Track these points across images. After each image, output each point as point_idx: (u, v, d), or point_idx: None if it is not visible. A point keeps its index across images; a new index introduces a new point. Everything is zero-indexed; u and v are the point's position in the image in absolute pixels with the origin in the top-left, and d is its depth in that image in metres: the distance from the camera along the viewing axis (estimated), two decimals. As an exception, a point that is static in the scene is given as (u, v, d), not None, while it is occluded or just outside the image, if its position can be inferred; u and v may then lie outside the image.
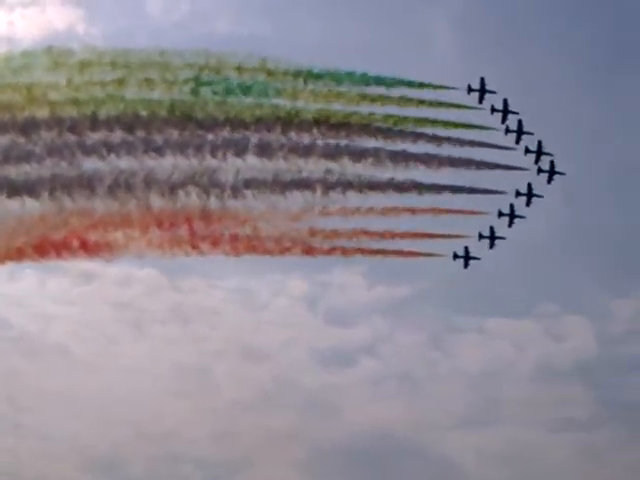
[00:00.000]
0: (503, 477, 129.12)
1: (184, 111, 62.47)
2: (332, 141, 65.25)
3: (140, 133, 61.44)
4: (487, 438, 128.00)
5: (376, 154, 66.66)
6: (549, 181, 77.96)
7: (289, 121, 64.16)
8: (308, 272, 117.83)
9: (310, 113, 64.54)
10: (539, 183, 77.63)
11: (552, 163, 77.79)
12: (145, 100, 61.81)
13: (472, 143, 71.44)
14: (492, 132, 72.94)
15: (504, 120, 75.51)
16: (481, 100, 75.16)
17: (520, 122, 75.83)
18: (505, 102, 75.51)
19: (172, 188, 62.69)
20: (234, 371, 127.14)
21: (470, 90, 75.09)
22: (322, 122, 64.68)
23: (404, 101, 67.82)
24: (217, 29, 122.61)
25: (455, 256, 78.51)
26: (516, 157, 75.24)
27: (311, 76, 63.79)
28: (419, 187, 70.04)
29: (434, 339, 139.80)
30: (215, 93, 63.01)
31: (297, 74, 63.62)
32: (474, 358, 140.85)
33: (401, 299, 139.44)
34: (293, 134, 64.16)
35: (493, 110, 75.27)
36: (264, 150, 63.99)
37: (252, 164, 64.04)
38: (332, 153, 65.13)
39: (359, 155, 65.64)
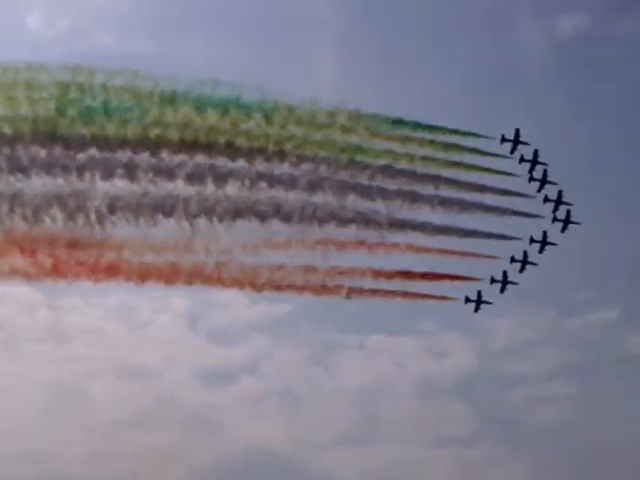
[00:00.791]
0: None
1: (48, 129, 59.03)
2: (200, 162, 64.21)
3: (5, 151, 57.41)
4: (368, 455, 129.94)
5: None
6: (563, 230, 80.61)
7: (157, 142, 62.35)
8: (191, 289, 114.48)
9: (177, 134, 63.02)
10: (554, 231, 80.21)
11: (568, 212, 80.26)
12: (9, 117, 57.90)
13: (493, 190, 73.49)
14: (516, 179, 75.29)
15: (532, 169, 78.08)
16: (513, 150, 77.69)
17: (545, 172, 78.48)
18: (535, 153, 78.04)
19: (36, 211, 58.97)
20: (113, 390, 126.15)
21: (503, 140, 77.47)
22: (189, 143, 63.34)
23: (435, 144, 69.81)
24: (98, 45, 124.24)
25: (467, 300, 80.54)
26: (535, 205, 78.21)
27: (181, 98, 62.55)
28: (434, 228, 71.11)
29: (315, 356, 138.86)
30: (80, 111, 60.08)
31: (166, 95, 62.07)
32: (355, 375, 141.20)
33: (282, 317, 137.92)
34: (164, 155, 62.40)
35: (522, 160, 77.76)
36: (132, 172, 61.70)
37: (120, 187, 61.58)
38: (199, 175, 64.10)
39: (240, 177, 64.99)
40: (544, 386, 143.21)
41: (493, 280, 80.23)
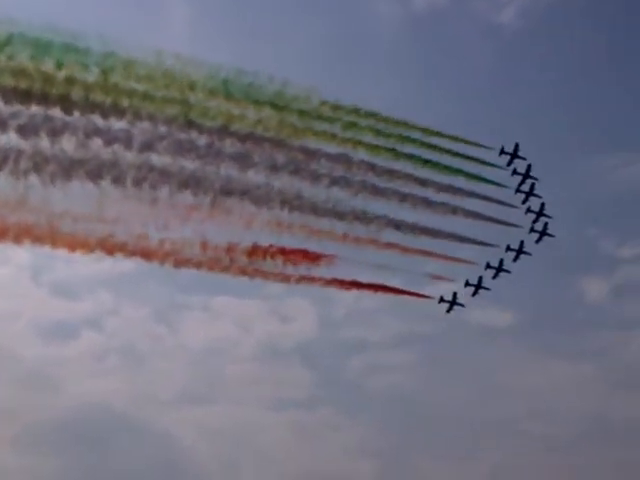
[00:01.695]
0: (221, 453, 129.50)
1: None
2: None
3: None
4: (207, 415, 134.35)
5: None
6: (537, 241, 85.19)
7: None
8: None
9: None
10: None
11: (545, 225, 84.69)
12: None
13: (479, 196, 76.57)
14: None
15: (522, 183, 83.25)
16: (510, 163, 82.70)
17: (533, 185, 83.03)
18: (528, 167, 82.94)
19: None
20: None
21: (502, 152, 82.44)
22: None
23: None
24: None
25: (441, 299, 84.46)
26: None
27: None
28: (412, 228, 72.90)
29: (159, 315, 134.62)
30: None
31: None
32: (198, 335, 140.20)
33: (126, 274, 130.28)
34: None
35: (514, 173, 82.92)
36: None
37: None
38: None
39: None
40: (385, 354, 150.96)
41: (467, 283, 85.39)
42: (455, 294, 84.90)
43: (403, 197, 72.79)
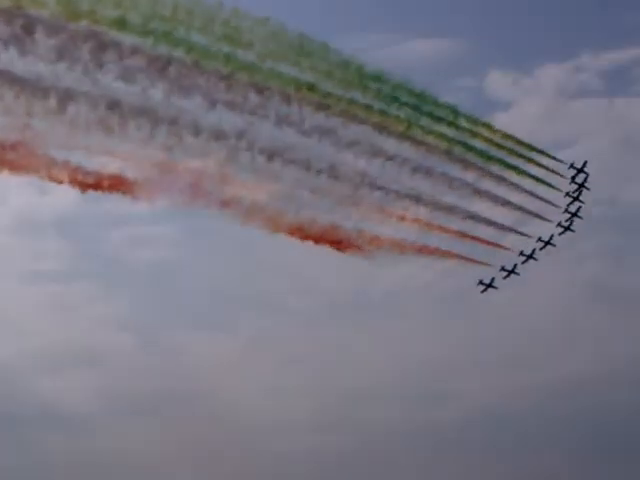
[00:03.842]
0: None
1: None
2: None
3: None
4: None
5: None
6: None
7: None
8: None
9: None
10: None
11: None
12: None
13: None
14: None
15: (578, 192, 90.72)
16: (574, 178, 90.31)
17: (581, 191, 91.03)
18: (585, 179, 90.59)
19: None
20: None
21: (571, 166, 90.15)
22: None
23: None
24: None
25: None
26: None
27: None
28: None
29: None
30: None
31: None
32: None
33: None
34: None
35: (573, 181, 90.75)
36: None
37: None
38: None
39: None
40: (147, 228, 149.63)
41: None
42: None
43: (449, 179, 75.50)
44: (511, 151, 77.07)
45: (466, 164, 73.33)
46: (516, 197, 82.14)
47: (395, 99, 66.70)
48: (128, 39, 56.72)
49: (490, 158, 75.04)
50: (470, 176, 75.10)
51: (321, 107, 65.32)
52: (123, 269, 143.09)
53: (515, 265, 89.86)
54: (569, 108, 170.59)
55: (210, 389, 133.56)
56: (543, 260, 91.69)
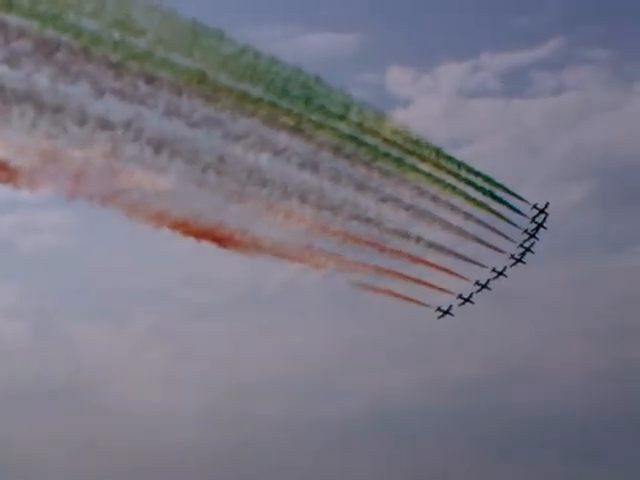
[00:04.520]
0: None
1: None
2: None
3: None
4: None
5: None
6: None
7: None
8: None
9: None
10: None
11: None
12: None
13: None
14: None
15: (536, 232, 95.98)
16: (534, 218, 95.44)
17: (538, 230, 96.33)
18: (544, 219, 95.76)
19: None
20: None
21: (534, 207, 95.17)
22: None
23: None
24: None
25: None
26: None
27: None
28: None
29: None
30: None
31: None
32: None
33: None
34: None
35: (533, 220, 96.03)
36: None
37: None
38: None
39: None
40: (39, 214, 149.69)
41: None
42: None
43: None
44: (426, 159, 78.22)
45: (356, 159, 73.37)
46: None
47: (286, 92, 66.22)
48: (14, 21, 54.60)
49: (382, 155, 75.24)
50: (360, 171, 75.28)
51: (211, 99, 64.37)
52: (12, 256, 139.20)
53: (471, 294, 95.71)
54: (467, 107, 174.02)
55: (100, 380, 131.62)
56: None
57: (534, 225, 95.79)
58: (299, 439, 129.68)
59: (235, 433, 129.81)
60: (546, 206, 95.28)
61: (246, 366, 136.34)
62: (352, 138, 71.33)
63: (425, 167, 76.58)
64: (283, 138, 68.93)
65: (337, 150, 71.81)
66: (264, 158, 69.80)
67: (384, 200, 78.19)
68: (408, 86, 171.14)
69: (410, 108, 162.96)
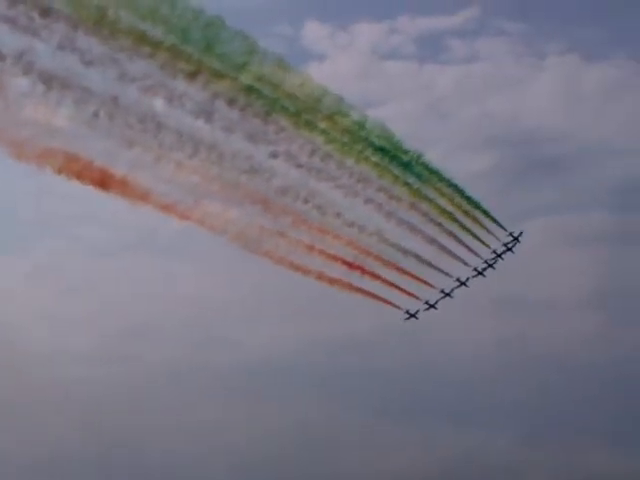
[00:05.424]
0: None
1: None
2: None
3: None
4: None
5: None
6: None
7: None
8: None
9: None
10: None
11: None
12: None
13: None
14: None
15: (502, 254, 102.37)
16: (507, 245, 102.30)
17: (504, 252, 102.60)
18: (514, 243, 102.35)
19: None
20: None
21: (510, 234, 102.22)
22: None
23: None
24: None
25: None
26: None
27: None
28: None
29: None
30: None
31: None
32: None
33: None
34: None
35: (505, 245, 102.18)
36: None
37: None
38: None
39: None
40: None
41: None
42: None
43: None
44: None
45: (252, 111, 71.88)
46: None
47: (188, 36, 64.46)
48: None
49: (281, 109, 74.04)
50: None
51: (109, 37, 62.15)
52: None
53: (437, 301, 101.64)
54: (381, 68, 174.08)
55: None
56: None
57: (504, 248, 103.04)
58: (185, 384, 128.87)
59: (121, 374, 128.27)
60: (520, 234, 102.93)
61: (138, 308, 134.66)
62: (252, 89, 69.99)
63: (324, 125, 75.51)
64: (180, 84, 67.21)
65: (233, 100, 70.32)
66: (159, 103, 68.03)
67: (276, 156, 77.19)
68: (324, 41, 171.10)
69: (325, 63, 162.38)
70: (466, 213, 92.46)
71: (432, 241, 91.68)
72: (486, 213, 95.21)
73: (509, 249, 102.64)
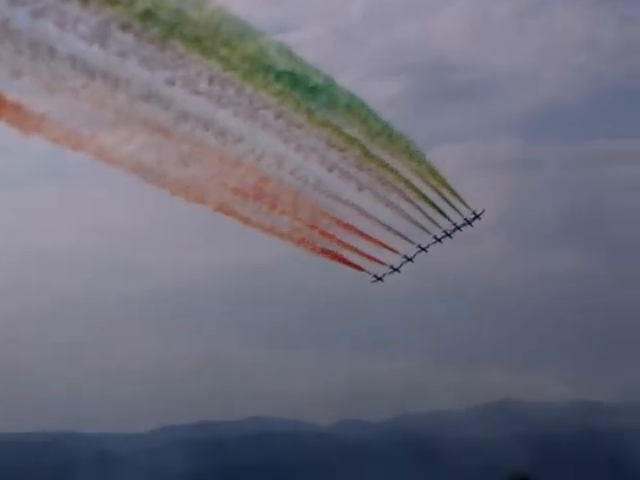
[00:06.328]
0: None
1: None
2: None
3: None
4: None
5: None
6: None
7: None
8: None
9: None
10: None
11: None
12: None
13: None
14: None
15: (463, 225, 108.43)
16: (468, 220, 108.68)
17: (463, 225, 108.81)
18: (475, 218, 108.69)
19: None
20: None
21: (473, 213, 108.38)
22: None
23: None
24: None
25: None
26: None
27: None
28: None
29: None
30: None
31: None
32: None
33: None
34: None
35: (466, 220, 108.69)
36: None
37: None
38: None
39: None
40: None
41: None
42: None
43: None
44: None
45: (148, 36, 69.36)
46: None
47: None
48: None
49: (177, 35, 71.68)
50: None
51: None
52: None
53: (401, 264, 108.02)
54: None
55: None
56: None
57: (464, 222, 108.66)
58: (93, 312, 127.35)
59: (26, 303, 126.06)
60: (482, 212, 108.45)
61: (44, 237, 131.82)
62: (148, 13, 67.59)
63: (224, 51, 73.34)
64: (73, 8, 64.55)
65: (128, 25, 67.80)
66: (50, 28, 65.27)
67: (173, 83, 74.86)
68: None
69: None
70: (377, 135, 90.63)
71: (333, 167, 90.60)
72: (399, 136, 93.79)
73: (469, 223, 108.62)
